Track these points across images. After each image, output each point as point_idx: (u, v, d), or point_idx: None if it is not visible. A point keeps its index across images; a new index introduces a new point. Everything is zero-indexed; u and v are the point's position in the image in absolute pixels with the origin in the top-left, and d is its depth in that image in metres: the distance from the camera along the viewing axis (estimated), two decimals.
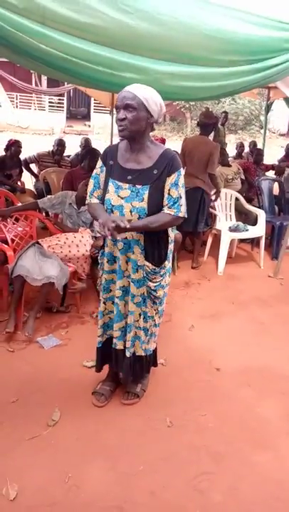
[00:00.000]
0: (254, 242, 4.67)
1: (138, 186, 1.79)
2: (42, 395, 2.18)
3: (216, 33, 2.51)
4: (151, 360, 2.19)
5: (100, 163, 1.92)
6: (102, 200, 1.89)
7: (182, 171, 1.84)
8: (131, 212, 1.79)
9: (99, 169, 1.92)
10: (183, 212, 1.83)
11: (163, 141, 5.44)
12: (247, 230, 4.19)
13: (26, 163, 5.13)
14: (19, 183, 4.99)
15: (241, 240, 4.61)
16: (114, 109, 1.76)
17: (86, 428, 1.99)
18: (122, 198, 1.80)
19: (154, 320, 2.06)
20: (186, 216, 1.86)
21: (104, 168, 1.89)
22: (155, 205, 1.80)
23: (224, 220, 4.31)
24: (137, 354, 2.06)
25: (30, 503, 1.61)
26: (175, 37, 2.45)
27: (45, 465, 1.78)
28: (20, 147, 4.91)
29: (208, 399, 2.27)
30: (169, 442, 1.96)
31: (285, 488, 1.77)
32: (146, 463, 1.83)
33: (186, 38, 2.48)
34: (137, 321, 1.99)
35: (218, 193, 4.08)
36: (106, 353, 2.11)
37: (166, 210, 1.82)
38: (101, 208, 1.87)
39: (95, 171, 1.93)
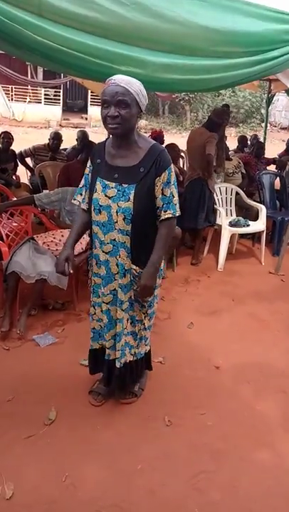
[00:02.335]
0: (255, 237, 4.62)
1: (124, 185, 1.71)
2: (38, 394, 2.15)
3: (215, 25, 2.48)
4: (143, 363, 2.12)
5: (89, 162, 1.86)
6: (89, 200, 1.83)
7: (172, 168, 1.76)
8: (117, 212, 1.72)
9: (88, 169, 1.87)
10: (178, 210, 1.78)
11: (160, 133, 5.37)
12: (248, 225, 4.14)
13: (22, 157, 5.06)
14: (14, 177, 4.93)
15: (242, 236, 4.57)
16: (102, 105, 1.65)
17: (83, 427, 1.97)
18: (109, 198, 1.73)
19: (144, 324, 1.98)
20: (179, 214, 1.79)
21: (92, 168, 1.83)
22: (142, 206, 1.71)
23: (224, 215, 4.27)
24: (127, 361, 2.00)
25: (26, 502, 1.60)
26: (172, 29, 2.42)
27: (42, 464, 1.76)
28: (11, 139, 4.84)
29: (207, 397, 2.25)
30: (168, 441, 1.94)
31: (284, 486, 1.76)
32: (144, 461, 1.81)
33: (184, 29, 2.45)
34: (126, 328, 1.93)
35: (209, 176, 3.83)
36: (98, 360, 2.07)
37: (162, 215, 1.74)
38: (78, 226, 1.90)
39: (85, 171, 1.88)
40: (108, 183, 1.74)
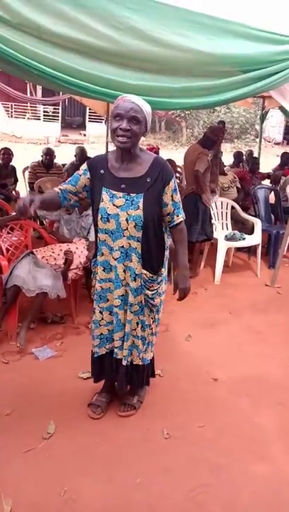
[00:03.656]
0: (251, 250, 4.68)
1: (132, 194, 1.80)
2: (37, 408, 2.15)
3: (208, 48, 2.59)
4: (150, 369, 2.16)
5: (84, 166, 1.90)
6: (93, 208, 1.89)
7: (174, 177, 1.91)
8: (127, 220, 1.80)
9: (82, 171, 1.89)
10: (183, 214, 1.92)
11: (153, 148, 5.48)
12: (243, 239, 4.20)
13: (32, 182, 5.13)
14: (14, 193, 4.99)
15: (238, 249, 4.62)
16: (113, 117, 1.73)
17: (82, 440, 1.97)
18: (117, 207, 1.81)
19: (152, 329, 2.05)
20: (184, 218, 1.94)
21: (88, 173, 1.87)
22: (150, 213, 1.81)
23: (220, 228, 4.33)
24: (134, 363, 2.05)
25: None
26: (166, 52, 2.54)
27: (41, 478, 1.75)
28: (10, 154, 4.91)
29: (205, 410, 2.25)
30: (167, 454, 1.93)
31: (284, 499, 1.75)
32: (143, 475, 1.80)
33: (176, 53, 2.57)
34: (135, 329, 1.98)
35: (201, 191, 3.86)
36: (103, 364, 2.09)
37: (176, 220, 1.88)
38: (46, 194, 1.90)
39: (76, 172, 1.92)
40: (115, 192, 1.81)
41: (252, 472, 1.87)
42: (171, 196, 1.84)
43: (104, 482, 1.76)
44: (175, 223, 1.89)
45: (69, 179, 1.93)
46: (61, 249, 2.98)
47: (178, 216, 1.88)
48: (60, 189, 1.91)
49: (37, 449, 1.89)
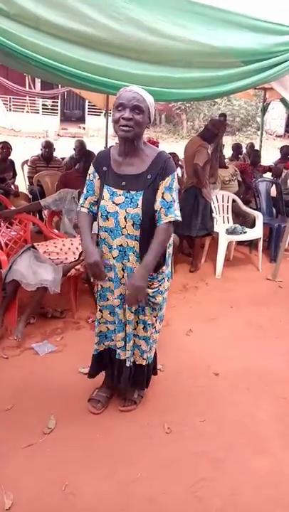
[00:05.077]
0: (252, 244, 4.66)
1: (132, 192, 1.75)
2: (37, 403, 2.15)
3: (207, 40, 2.55)
4: (152, 367, 2.15)
5: (92, 169, 1.88)
6: (97, 206, 1.87)
7: (176, 175, 1.81)
8: (125, 219, 1.76)
9: (92, 175, 1.88)
10: (178, 215, 1.79)
11: (153, 142, 5.45)
12: (245, 233, 4.18)
13: (31, 178, 5.09)
14: (13, 187, 4.96)
15: (239, 243, 4.60)
16: (115, 108, 1.71)
17: (82, 435, 1.97)
18: (116, 205, 1.77)
19: (155, 327, 2.03)
20: (180, 219, 1.80)
21: (97, 174, 1.86)
22: (150, 211, 1.76)
23: (221, 222, 4.30)
24: (137, 363, 2.03)
25: None
26: (165, 43, 2.49)
27: (41, 473, 1.76)
28: (9, 148, 4.88)
29: (206, 404, 2.25)
30: (168, 449, 1.93)
31: (284, 493, 1.76)
32: (144, 470, 1.80)
33: (176, 44, 2.52)
34: (135, 329, 1.96)
35: (201, 184, 3.85)
36: (102, 361, 2.09)
37: (163, 219, 1.75)
38: (87, 227, 1.86)
39: (88, 177, 1.90)
40: (116, 190, 1.78)
41: (253, 466, 1.87)
42: (162, 194, 1.74)
43: (104, 477, 1.76)
44: (161, 222, 1.76)
45: (86, 189, 1.89)
46: (64, 245, 2.97)
47: (166, 216, 1.74)
48: (85, 208, 1.88)
49: (37, 444, 1.89)
